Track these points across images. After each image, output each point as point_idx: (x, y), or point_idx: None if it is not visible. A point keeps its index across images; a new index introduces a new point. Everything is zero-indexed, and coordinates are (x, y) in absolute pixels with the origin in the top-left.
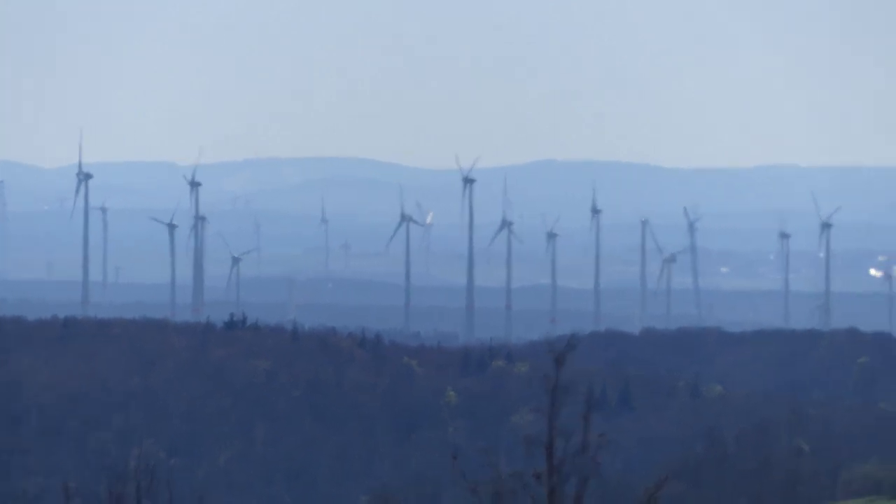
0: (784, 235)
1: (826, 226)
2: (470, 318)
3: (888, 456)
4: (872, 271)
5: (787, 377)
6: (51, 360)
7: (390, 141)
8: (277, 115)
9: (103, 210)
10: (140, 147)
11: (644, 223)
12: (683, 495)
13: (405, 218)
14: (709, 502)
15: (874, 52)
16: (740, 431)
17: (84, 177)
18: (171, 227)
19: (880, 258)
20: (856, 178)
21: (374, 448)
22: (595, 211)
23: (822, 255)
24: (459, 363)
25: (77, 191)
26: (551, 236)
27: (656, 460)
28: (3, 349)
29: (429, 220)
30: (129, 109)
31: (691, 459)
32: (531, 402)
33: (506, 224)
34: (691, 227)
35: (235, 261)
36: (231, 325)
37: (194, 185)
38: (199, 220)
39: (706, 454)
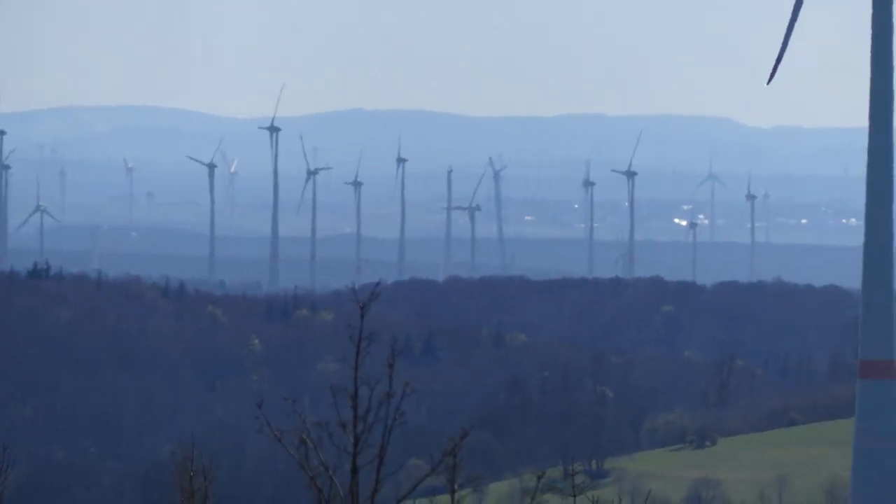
0: (588, 184)
1: (630, 174)
2: (274, 268)
3: (691, 404)
4: (677, 220)
5: (591, 325)
6: None
7: (198, 89)
8: (83, 63)
9: None
10: None
11: (449, 172)
12: (488, 444)
13: (210, 167)
14: (513, 450)
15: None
16: (544, 380)
17: None
18: None
19: (685, 207)
20: (664, 127)
21: (179, 397)
22: (400, 160)
23: (626, 203)
24: (263, 312)
25: None
26: (356, 185)
27: (461, 409)
28: None
29: (233, 168)
30: None
31: (495, 408)
32: (336, 350)
33: (311, 174)
34: (496, 177)
35: (39, 209)
36: (35, 274)
37: None
38: (3, 168)
39: (510, 402)
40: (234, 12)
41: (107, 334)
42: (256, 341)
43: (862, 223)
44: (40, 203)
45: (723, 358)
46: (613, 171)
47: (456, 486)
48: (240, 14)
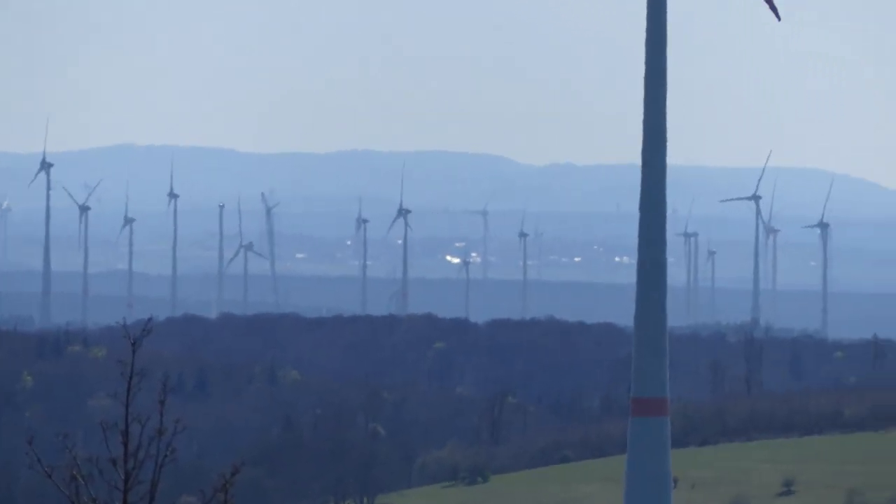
0: (361, 220)
1: (404, 211)
2: (46, 303)
3: (464, 441)
4: (450, 258)
5: (364, 362)
6: None
7: None
8: None
9: None
10: None
11: (221, 208)
12: (260, 480)
13: None
14: (285, 487)
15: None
16: (317, 416)
17: None
18: None
19: (458, 244)
20: (437, 164)
21: None
22: (172, 195)
23: (400, 241)
24: (35, 347)
25: None
26: (128, 221)
27: (233, 446)
28: None
29: (4, 204)
30: None
31: (268, 445)
32: (108, 386)
33: (83, 209)
34: (268, 213)
35: None
36: None
37: None
38: None
39: (283, 439)
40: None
41: None
42: (28, 377)
43: (634, 260)
44: None
45: (495, 395)
46: (386, 208)
47: None
48: (4, 50)
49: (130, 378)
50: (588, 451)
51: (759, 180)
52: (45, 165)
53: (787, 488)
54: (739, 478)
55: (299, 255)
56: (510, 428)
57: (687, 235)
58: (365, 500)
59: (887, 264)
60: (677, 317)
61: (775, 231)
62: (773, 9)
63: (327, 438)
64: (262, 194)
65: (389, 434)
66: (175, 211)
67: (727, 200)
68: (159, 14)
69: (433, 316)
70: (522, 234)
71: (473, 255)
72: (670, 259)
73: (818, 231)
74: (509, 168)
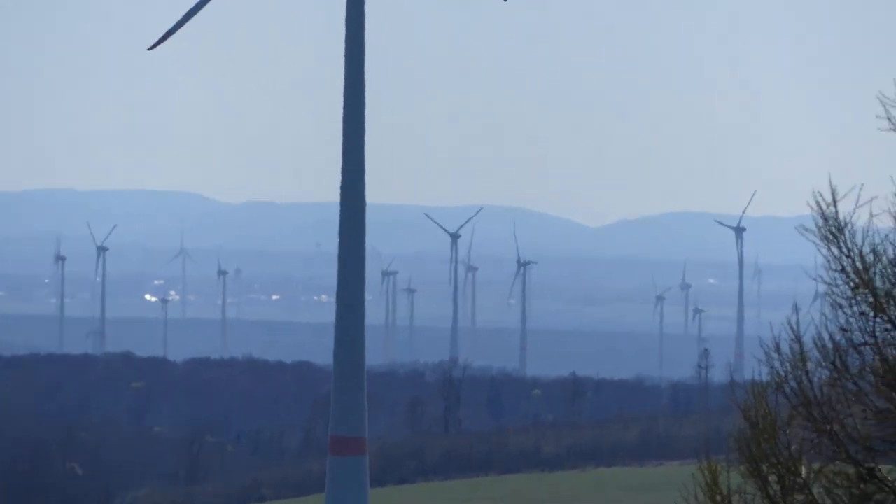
0: (59, 258)
1: (102, 249)
2: None
3: (162, 480)
4: (148, 296)
5: (60, 401)
6: None
7: None
8: None
9: None
10: None
11: None
12: None
13: None
14: None
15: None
16: (14, 456)
17: None
18: None
19: (156, 282)
20: (128, 201)
21: None
22: None
23: (98, 279)
24: None
25: None
26: None
27: None
28: None
29: None
30: None
31: None
32: None
33: None
34: None
35: None
36: None
37: None
38: None
39: None
40: None
41: None
42: None
43: (333, 299)
44: None
45: (194, 434)
46: (84, 245)
47: None
48: None
49: None
50: (287, 490)
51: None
52: None
53: None
54: None
55: None
56: (209, 467)
57: (386, 274)
58: None
59: (585, 302)
60: (376, 355)
61: (474, 269)
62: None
63: (22, 477)
64: None
65: (87, 474)
66: None
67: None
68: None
69: (131, 354)
70: (221, 272)
71: (172, 293)
72: (369, 297)
73: (517, 269)
74: (208, 206)
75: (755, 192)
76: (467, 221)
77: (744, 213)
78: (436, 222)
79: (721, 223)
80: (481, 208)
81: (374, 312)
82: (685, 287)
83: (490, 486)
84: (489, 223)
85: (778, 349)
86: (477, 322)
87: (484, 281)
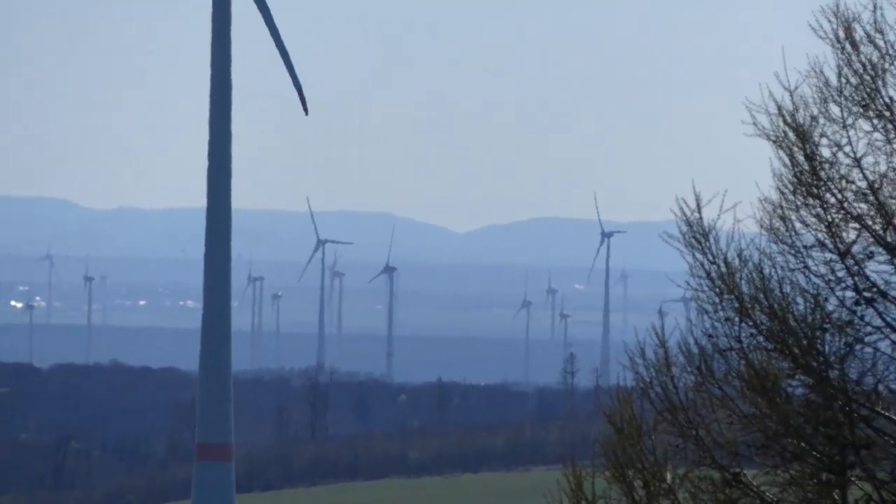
0: None
1: None
2: None
3: (27, 488)
4: (14, 302)
5: None
6: None
7: None
8: None
9: None
10: None
11: None
12: None
13: None
14: None
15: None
16: None
17: None
18: None
19: (21, 288)
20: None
21: None
22: None
23: None
24: None
25: None
26: None
27: None
28: None
29: None
30: None
31: None
32: None
33: None
34: None
35: None
36: None
37: None
38: None
39: None
40: None
41: None
42: None
43: (199, 305)
44: None
45: (59, 440)
46: None
47: None
48: None
49: None
50: (153, 496)
51: (315, 226)
52: None
53: None
54: None
55: None
56: (75, 474)
57: (252, 279)
58: None
59: (452, 307)
60: (242, 361)
61: (341, 275)
62: (303, 101)
63: None
64: None
65: None
66: None
67: (306, 265)
68: None
69: None
70: (87, 278)
71: (37, 299)
72: (235, 303)
73: (384, 275)
74: (74, 212)
75: (595, 192)
76: (337, 244)
77: (600, 216)
78: (314, 224)
79: (605, 232)
80: (352, 243)
81: (240, 318)
82: (552, 292)
83: (356, 491)
84: (356, 229)
85: (643, 354)
86: (343, 328)
87: (350, 287)
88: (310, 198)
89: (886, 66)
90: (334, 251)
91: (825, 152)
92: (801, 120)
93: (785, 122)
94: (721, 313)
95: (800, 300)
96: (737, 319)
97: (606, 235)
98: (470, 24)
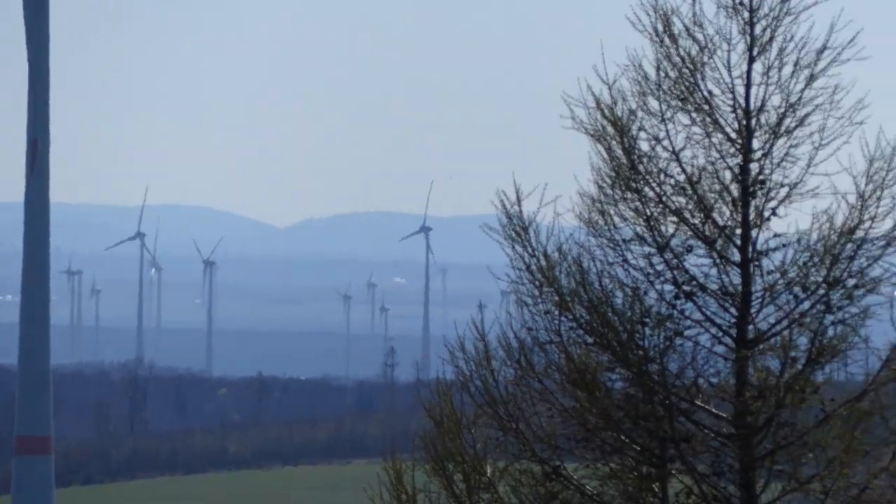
0: None
1: None
2: None
3: None
4: None
5: None
6: None
7: None
8: None
9: None
10: None
11: None
12: None
13: None
14: None
15: None
16: None
17: None
18: None
19: None
20: None
21: None
22: None
23: None
24: None
25: None
26: None
27: None
28: None
29: None
30: None
31: None
32: None
33: None
34: None
35: None
36: None
37: None
38: None
39: None
40: None
41: None
42: None
43: (18, 298)
44: None
45: None
46: None
47: None
48: None
49: None
50: None
51: (140, 218)
52: None
53: None
54: None
55: None
56: None
57: (71, 273)
58: None
59: (273, 301)
60: (62, 355)
61: (160, 268)
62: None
63: None
64: None
65: None
66: None
67: (112, 247)
68: None
69: None
70: None
71: None
72: (54, 297)
73: (203, 269)
74: None
75: (433, 181)
76: (140, 221)
77: (427, 211)
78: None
79: (423, 229)
80: (159, 271)
81: (59, 312)
82: (372, 286)
83: (176, 485)
84: (176, 223)
85: (463, 348)
86: (163, 322)
87: (170, 281)
88: (129, 191)
89: (705, 59)
90: (154, 244)
91: (644, 146)
92: (619, 113)
93: (603, 115)
94: (541, 306)
95: (619, 294)
96: (556, 313)
97: (426, 229)
98: (286, 15)
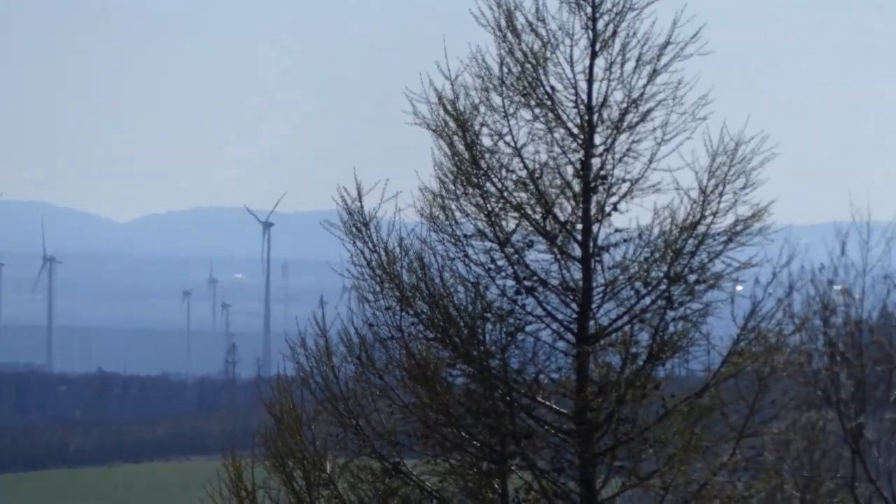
0: None
1: None
2: None
3: None
4: None
5: None
6: None
7: None
8: None
9: None
10: None
11: None
12: None
13: None
14: None
15: None
16: None
17: None
18: None
19: None
20: None
21: None
22: None
23: None
24: None
25: None
26: None
27: None
28: None
29: None
30: None
31: None
32: None
33: None
34: None
35: None
36: None
37: None
38: None
39: None
40: None
41: None
42: None
43: None
44: None
45: None
46: None
47: None
48: None
49: None
50: None
51: None
52: None
53: None
54: None
55: None
56: None
57: None
58: None
59: (112, 298)
60: None
61: (0, 265)
62: None
63: None
64: None
65: None
66: None
67: None
68: None
69: None
70: None
71: None
72: None
73: (42, 264)
74: None
75: (285, 193)
76: None
77: (273, 210)
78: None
79: (257, 218)
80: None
81: None
82: (212, 282)
83: (14, 482)
84: (13, 218)
85: (304, 344)
86: (2, 318)
87: (8, 276)
88: None
89: (548, 54)
90: None
91: (486, 141)
92: (461, 109)
93: (445, 111)
94: (382, 302)
95: (461, 289)
96: (398, 308)
97: (267, 225)
98: (128, 15)
